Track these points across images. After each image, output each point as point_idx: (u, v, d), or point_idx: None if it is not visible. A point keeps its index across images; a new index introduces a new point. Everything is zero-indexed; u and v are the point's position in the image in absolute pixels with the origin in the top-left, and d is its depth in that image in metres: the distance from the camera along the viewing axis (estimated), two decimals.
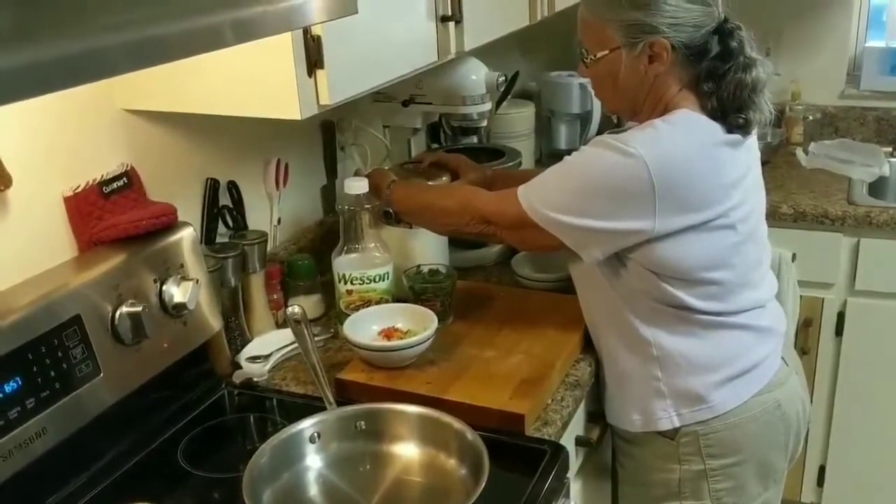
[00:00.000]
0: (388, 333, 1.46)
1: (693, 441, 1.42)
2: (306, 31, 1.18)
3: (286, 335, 1.46)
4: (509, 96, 2.21)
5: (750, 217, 1.39)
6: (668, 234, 1.30)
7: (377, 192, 1.54)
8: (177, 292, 1.29)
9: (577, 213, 1.31)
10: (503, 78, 1.84)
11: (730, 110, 1.34)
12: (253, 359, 1.47)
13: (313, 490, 1.19)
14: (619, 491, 1.64)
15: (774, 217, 2.20)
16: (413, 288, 1.57)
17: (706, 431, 1.41)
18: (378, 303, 1.53)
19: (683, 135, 1.32)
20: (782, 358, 1.48)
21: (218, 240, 1.56)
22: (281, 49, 1.18)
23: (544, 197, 1.34)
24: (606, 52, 1.36)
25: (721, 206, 1.32)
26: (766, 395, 1.43)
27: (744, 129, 1.35)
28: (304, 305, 1.34)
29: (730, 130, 1.34)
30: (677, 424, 1.42)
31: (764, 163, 1.50)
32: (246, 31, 0.88)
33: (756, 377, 1.43)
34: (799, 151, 2.61)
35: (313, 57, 1.20)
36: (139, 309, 1.22)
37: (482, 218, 1.43)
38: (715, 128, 1.34)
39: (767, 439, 1.46)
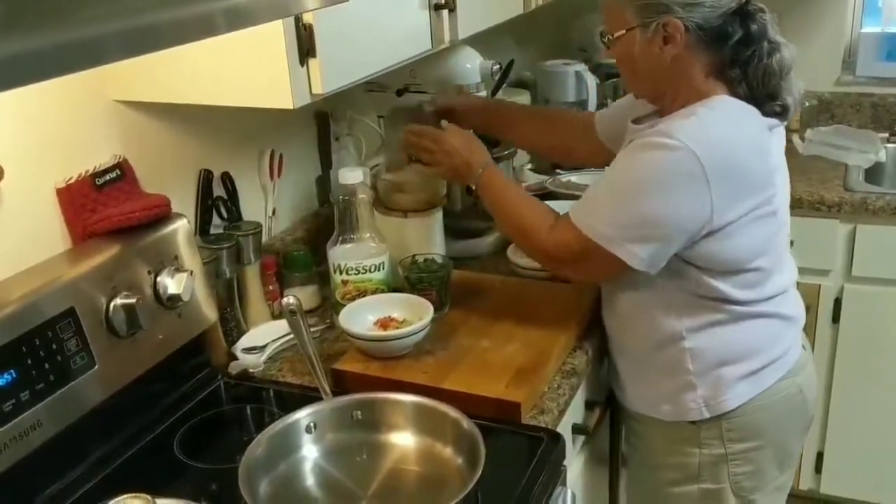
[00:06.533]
0: (383, 323, 1.46)
1: (715, 426, 1.42)
2: (298, 20, 1.18)
3: (282, 326, 1.45)
4: (504, 85, 2.20)
5: (784, 200, 1.40)
6: (722, 227, 1.28)
7: (466, 169, 1.48)
8: (171, 284, 1.29)
9: (636, 218, 1.28)
10: (498, 66, 1.84)
11: (761, 97, 1.33)
12: (249, 350, 1.47)
13: (310, 480, 1.18)
14: (627, 474, 1.65)
15: None
16: (409, 278, 1.56)
17: (729, 416, 1.42)
18: (374, 293, 1.53)
19: (726, 119, 1.31)
20: (802, 344, 1.49)
21: (212, 231, 1.56)
22: (273, 38, 1.17)
23: (599, 214, 1.31)
24: (623, 31, 1.34)
25: (768, 190, 1.32)
26: (788, 380, 1.43)
27: (781, 116, 1.35)
28: (300, 296, 1.34)
29: (766, 115, 1.34)
30: (706, 416, 1.41)
31: None
32: (238, 19, 0.87)
33: (781, 364, 1.43)
34: (795, 138, 2.60)
35: (305, 46, 1.20)
36: (133, 301, 1.22)
37: (544, 253, 1.41)
38: (755, 112, 1.33)
39: (788, 424, 1.47)
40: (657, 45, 1.32)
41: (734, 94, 1.33)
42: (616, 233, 1.29)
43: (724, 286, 1.35)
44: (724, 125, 1.30)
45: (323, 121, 1.85)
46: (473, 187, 1.48)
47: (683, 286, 1.36)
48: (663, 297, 1.38)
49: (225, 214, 1.59)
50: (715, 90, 1.33)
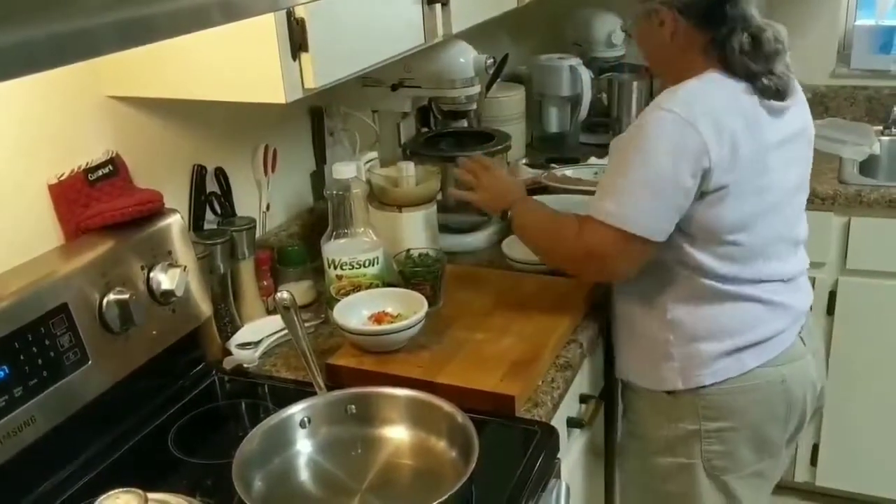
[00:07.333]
0: (378, 318, 1.45)
1: (691, 402, 1.46)
2: (290, 14, 1.17)
3: (277, 321, 1.45)
4: (499, 79, 2.20)
5: (780, 186, 1.42)
6: (714, 191, 1.33)
7: (504, 196, 1.58)
8: (164, 279, 1.29)
9: (642, 183, 1.34)
10: (491, 60, 1.83)
11: (751, 76, 1.37)
12: (243, 345, 1.47)
13: (304, 475, 1.18)
14: (621, 442, 1.68)
15: None
16: (403, 272, 1.56)
17: (704, 393, 1.45)
18: (368, 288, 1.53)
19: (715, 89, 1.38)
20: (801, 337, 1.50)
21: (206, 227, 1.56)
22: (265, 32, 1.17)
23: (611, 195, 1.36)
24: (633, 19, 1.48)
25: (757, 164, 1.36)
26: (771, 367, 1.45)
27: (775, 95, 1.38)
28: (294, 292, 1.33)
29: (759, 92, 1.38)
30: (680, 387, 1.45)
31: None
32: (233, 11, 0.87)
33: (763, 350, 1.45)
34: None
35: (297, 40, 1.19)
36: (127, 296, 1.22)
37: (578, 262, 1.45)
38: (747, 87, 1.38)
39: (765, 411, 1.48)
40: (655, 29, 1.42)
41: (728, 70, 1.39)
42: (629, 210, 1.34)
43: (703, 256, 1.39)
44: (711, 94, 1.37)
45: (317, 116, 1.85)
46: (509, 213, 1.57)
47: (668, 254, 1.40)
48: (651, 266, 1.42)
49: (219, 210, 1.59)
50: (709, 67, 1.40)
